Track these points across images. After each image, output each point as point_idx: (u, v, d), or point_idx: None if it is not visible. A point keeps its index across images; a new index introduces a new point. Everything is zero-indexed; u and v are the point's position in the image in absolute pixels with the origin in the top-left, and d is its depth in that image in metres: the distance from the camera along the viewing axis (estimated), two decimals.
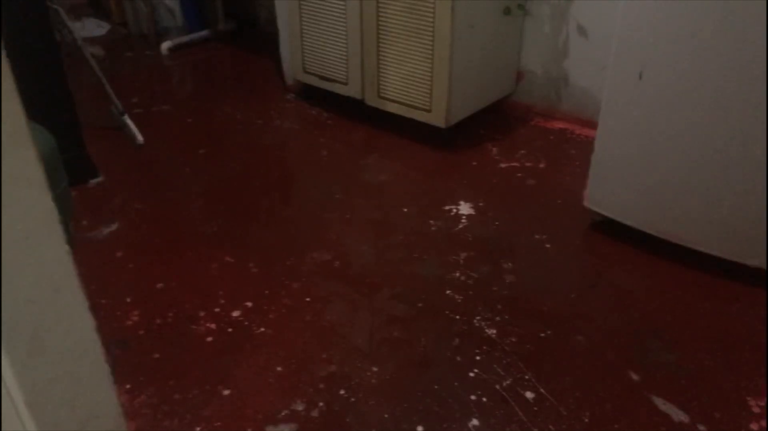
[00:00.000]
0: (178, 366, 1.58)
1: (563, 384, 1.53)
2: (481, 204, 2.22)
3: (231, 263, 1.94)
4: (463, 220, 2.13)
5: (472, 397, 1.49)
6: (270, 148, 2.62)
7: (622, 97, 1.81)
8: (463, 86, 2.48)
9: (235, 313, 1.74)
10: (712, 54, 1.61)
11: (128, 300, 1.79)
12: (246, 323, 1.71)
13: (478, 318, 1.73)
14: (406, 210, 2.20)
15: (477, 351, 1.62)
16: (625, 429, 1.42)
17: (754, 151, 1.64)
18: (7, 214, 0.56)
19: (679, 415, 1.44)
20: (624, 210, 1.94)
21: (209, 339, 1.66)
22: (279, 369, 1.57)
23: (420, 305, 1.78)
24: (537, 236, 2.06)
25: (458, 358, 1.60)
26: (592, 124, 2.20)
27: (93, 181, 2.32)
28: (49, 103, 2.12)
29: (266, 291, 1.82)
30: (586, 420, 1.44)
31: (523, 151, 2.55)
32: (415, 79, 2.48)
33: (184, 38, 3.61)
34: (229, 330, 1.69)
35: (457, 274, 1.89)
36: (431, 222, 2.13)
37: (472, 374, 1.56)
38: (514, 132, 2.70)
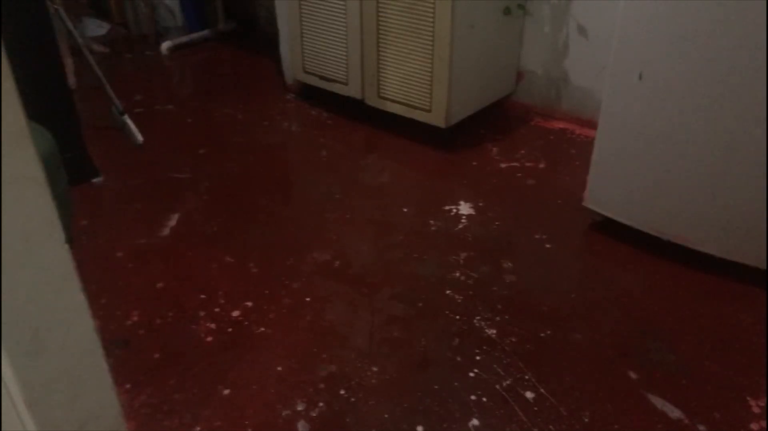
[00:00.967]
0: (178, 366, 1.58)
1: (563, 384, 1.53)
2: (481, 204, 2.22)
3: (231, 263, 1.94)
4: (463, 220, 2.13)
5: (472, 397, 1.49)
6: (270, 148, 2.62)
7: (622, 97, 1.81)
8: (463, 86, 2.48)
9: (235, 313, 1.74)
10: (711, 54, 1.61)
11: (128, 300, 1.79)
12: (246, 323, 1.71)
13: (478, 318, 1.73)
14: (406, 210, 2.20)
15: (477, 351, 1.62)
16: (625, 429, 1.42)
17: (754, 151, 1.64)
18: (7, 213, 0.56)
19: (678, 415, 1.44)
20: (624, 210, 1.94)
21: (209, 339, 1.66)
22: (279, 369, 1.57)
23: (420, 305, 1.78)
24: (537, 236, 2.06)
25: (458, 358, 1.60)
26: (592, 124, 2.20)
27: (93, 181, 2.32)
28: (49, 103, 2.12)
29: (266, 291, 1.82)
30: (586, 420, 1.44)
31: (523, 151, 2.55)
32: (415, 79, 2.48)
33: (184, 38, 3.61)
34: (229, 330, 1.69)
35: (457, 274, 1.89)
36: (431, 222, 2.13)
37: (472, 374, 1.56)
38: (514, 132, 2.70)
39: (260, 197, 2.29)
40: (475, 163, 2.48)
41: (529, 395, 1.50)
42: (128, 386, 1.52)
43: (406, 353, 1.62)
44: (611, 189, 1.95)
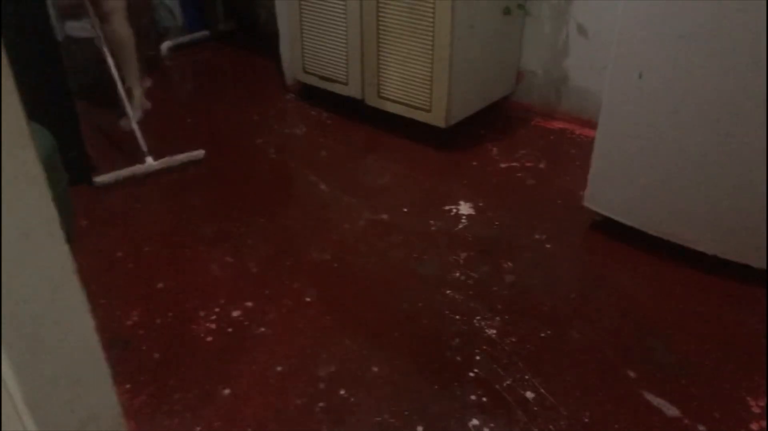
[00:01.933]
0: (178, 366, 1.58)
1: (563, 384, 1.53)
2: (481, 204, 2.22)
3: (231, 263, 1.94)
4: (463, 220, 2.13)
5: (472, 397, 1.49)
6: (270, 148, 2.62)
7: (622, 97, 1.81)
8: (463, 86, 2.48)
9: (235, 313, 1.74)
10: (711, 54, 1.61)
11: (128, 300, 1.79)
12: (246, 323, 1.71)
13: (478, 318, 1.73)
14: (406, 210, 2.20)
15: (477, 351, 1.62)
16: (625, 429, 1.42)
17: (753, 151, 1.64)
18: (7, 213, 0.56)
19: (678, 415, 1.44)
20: (624, 210, 1.94)
21: (209, 339, 1.66)
22: (279, 369, 1.57)
23: (420, 305, 1.78)
24: (537, 236, 2.06)
25: (458, 358, 1.60)
26: (592, 124, 2.19)
27: (93, 181, 2.32)
28: (49, 103, 2.12)
29: (266, 291, 1.82)
30: (586, 420, 1.44)
31: (523, 151, 2.55)
32: (415, 79, 2.48)
33: (184, 38, 3.61)
34: (229, 330, 1.69)
35: (457, 274, 1.89)
36: (431, 222, 2.13)
37: (472, 374, 1.55)
38: (514, 132, 2.70)
39: (260, 197, 2.29)
40: (475, 163, 2.48)
41: (529, 395, 1.50)
42: (128, 386, 1.52)
43: (406, 353, 1.62)
44: (611, 189, 1.95)
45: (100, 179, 2.30)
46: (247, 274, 1.90)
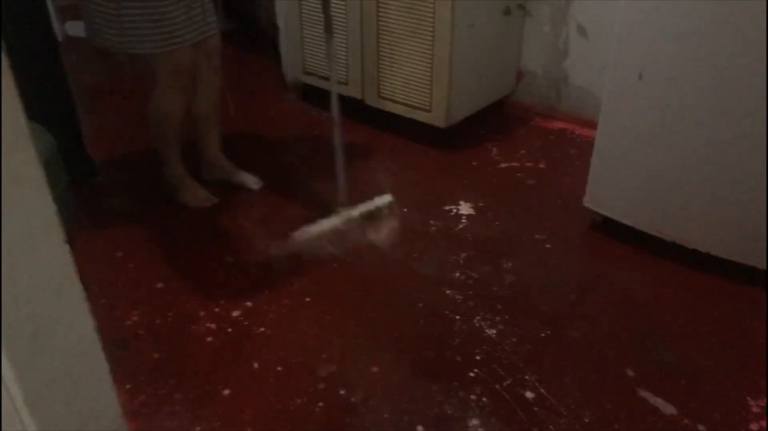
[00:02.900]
0: (178, 366, 1.58)
1: (563, 384, 1.53)
2: (481, 204, 2.22)
3: (231, 263, 1.94)
4: (463, 220, 2.13)
5: (472, 397, 1.49)
6: (269, 148, 2.62)
7: (622, 97, 1.81)
8: (463, 86, 2.48)
9: (235, 313, 1.74)
10: (711, 54, 1.61)
11: (128, 300, 1.79)
12: (246, 323, 1.71)
13: (478, 318, 1.73)
14: (406, 210, 2.20)
15: (477, 351, 1.62)
16: (625, 429, 1.42)
17: (754, 151, 1.64)
18: (7, 213, 0.56)
19: (678, 415, 1.44)
20: (624, 210, 1.94)
21: (209, 339, 1.66)
22: (279, 369, 1.57)
23: (420, 305, 1.78)
24: (537, 236, 2.06)
25: (458, 358, 1.60)
26: (592, 124, 2.19)
27: (93, 181, 2.32)
28: (49, 103, 2.12)
29: (266, 291, 1.82)
30: (586, 420, 1.43)
31: (523, 151, 2.55)
32: (415, 79, 2.48)
33: None
34: (229, 330, 1.69)
35: (457, 274, 1.89)
36: (431, 222, 2.13)
37: (472, 374, 1.55)
38: (514, 132, 2.70)
39: (260, 197, 2.29)
40: (475, 163, 2.48)
41: (529, 395, 1.50)
42: (128, 386, 1.52)
43: (406, 353, 1.62)
44: (611, 189, 1.95)
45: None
46: (247, 274, 1.89)
